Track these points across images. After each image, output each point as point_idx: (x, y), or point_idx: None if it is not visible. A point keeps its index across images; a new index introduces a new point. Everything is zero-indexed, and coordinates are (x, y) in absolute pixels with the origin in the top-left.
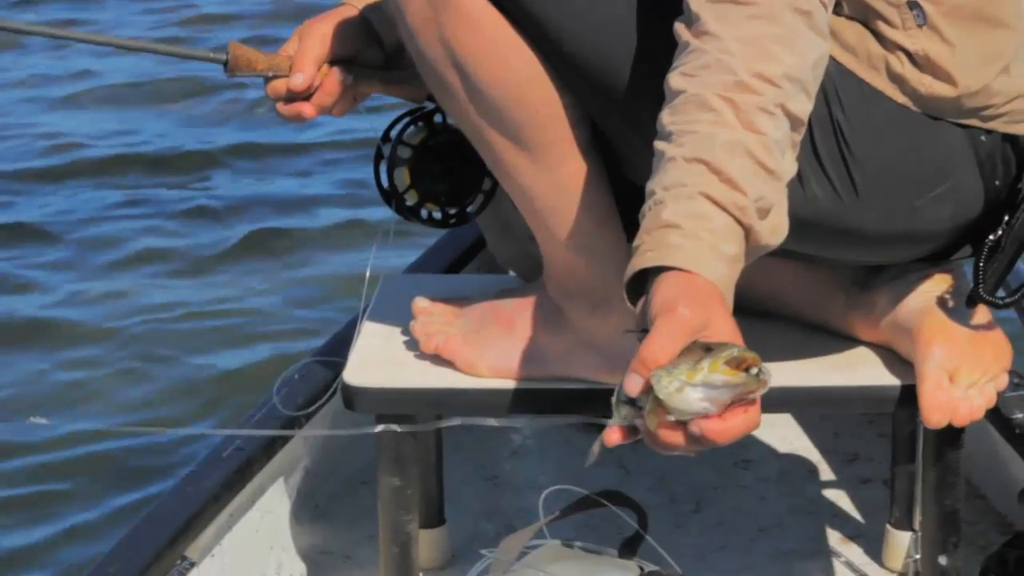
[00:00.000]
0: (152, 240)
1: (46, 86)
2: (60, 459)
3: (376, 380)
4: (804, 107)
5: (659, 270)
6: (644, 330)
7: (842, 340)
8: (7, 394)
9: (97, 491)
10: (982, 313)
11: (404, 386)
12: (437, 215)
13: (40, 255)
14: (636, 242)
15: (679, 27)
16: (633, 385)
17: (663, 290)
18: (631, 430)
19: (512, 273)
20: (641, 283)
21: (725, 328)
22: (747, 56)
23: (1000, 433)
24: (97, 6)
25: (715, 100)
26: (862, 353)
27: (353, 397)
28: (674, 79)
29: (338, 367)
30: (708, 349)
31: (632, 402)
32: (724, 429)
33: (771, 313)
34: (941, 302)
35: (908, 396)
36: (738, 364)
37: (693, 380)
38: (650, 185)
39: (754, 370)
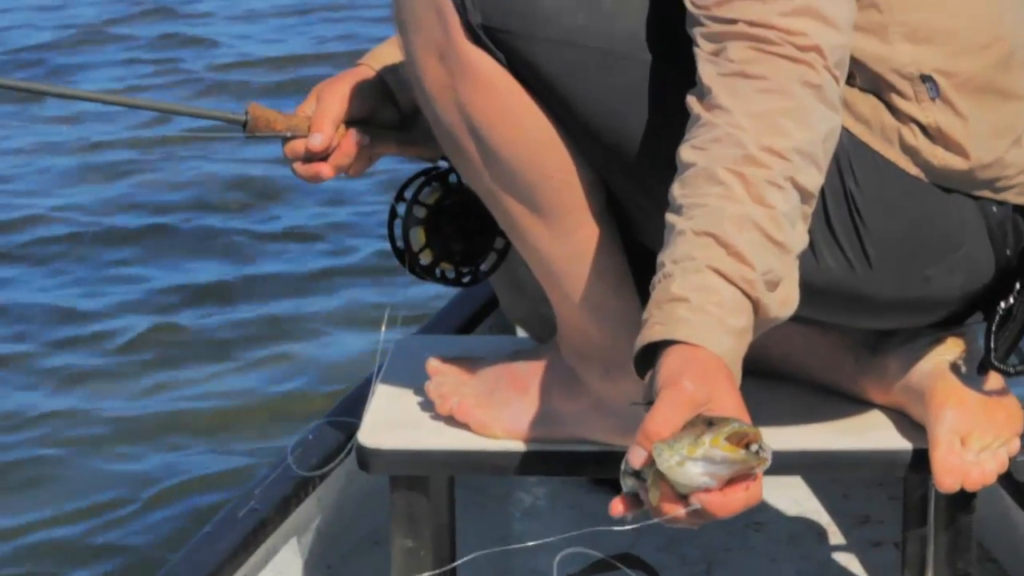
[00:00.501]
0: (165, 280)
1: (53, 144)
2: (73, 512)
3: (391, 442)
4: (814, 180)
5: (667, 343)
6: (650, 402)
7: (853, 403)
8: None
9: (111, 551)
10: (995, 378)
11: (418, 448)
12: (451, 274)
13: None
14: (645, 315)
15: (691, 100)
16: (636, 457)
17: (669, 363)
18: (636, 501)
19: (523, 333)
20: (651, 355)
21: (729, 402)
22: (757, 130)
23: (1012, 497)
24: (116, 56)
25: (724, 174)
26: (874, 416)
27: (368, 458)
28: (685, 152)
29: (352, 428)
30: (710, 423)
31: (637, 474)
32: (724, 504)
33: (782, 375)
34: (954, 367)
35: (920, 460)
36: (739, 440)
37: (694, 454)
38: (661, 257)
39: (754, 447)
